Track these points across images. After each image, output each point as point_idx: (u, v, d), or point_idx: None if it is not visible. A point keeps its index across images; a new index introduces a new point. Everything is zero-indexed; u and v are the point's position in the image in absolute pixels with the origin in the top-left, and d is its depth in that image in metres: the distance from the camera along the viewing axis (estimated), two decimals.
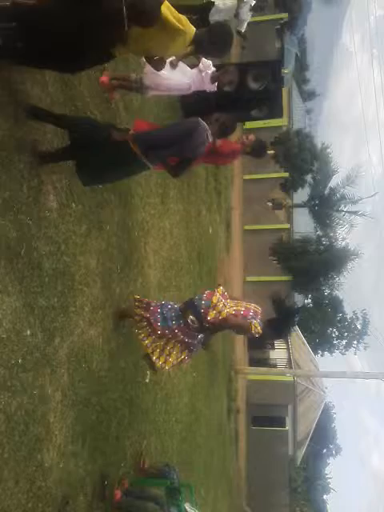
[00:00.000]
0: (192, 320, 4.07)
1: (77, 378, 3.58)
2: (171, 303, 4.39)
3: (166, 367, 4.32)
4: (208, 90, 5.21)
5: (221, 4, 6.35)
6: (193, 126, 3.20)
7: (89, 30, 2.53)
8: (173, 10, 2.96)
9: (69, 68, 2.93)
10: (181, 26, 2.99)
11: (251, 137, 5.04)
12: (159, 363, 4.27)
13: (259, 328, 3.93)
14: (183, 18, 3.05)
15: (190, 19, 3.07)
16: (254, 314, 4.03)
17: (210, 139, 3.36)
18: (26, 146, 3.04)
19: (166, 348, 4.27)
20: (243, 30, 7.10)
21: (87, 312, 3.84)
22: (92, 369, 3.87)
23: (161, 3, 2.74)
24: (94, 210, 4.08)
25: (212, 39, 3.34)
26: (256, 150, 5.00)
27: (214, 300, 4.01)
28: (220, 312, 3.97)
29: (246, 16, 6.90)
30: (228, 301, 4.15)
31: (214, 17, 6.43)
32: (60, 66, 2.88)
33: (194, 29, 3.18)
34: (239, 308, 4.08)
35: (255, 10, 7.12)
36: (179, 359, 4.33)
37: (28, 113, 3.01)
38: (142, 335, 4.33)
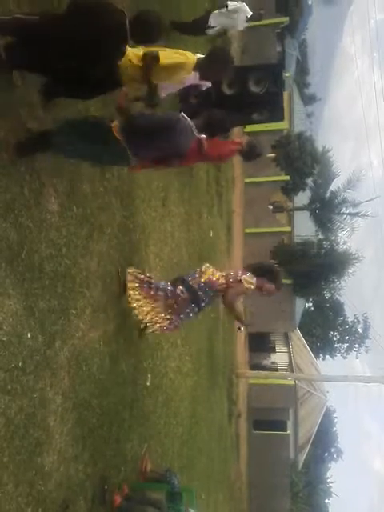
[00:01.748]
0: (181, 290, 4.35)
1: (77, 381, 3.56)
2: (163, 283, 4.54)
3: (150, 329, 4.48)
4: (203, 87, 5.30)
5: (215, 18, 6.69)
6: (174, 120, 3.10)
7: (91, 45, 2.57)
8: (168, 51, 3.24)
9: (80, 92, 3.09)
10: (180, 59, 3.23)
11: (244, 138, 5.04)
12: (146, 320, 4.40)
13: (252, 281, 4.27)
14: (180, 50, 3.32)
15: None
16: (242, 272, 4.36)
17: (196, 133, 3.29)
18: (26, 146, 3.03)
19: (154, 310, 4.42)
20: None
21: (88, 315, 3.83)
22: (93, 372, 3.86)
23: (162, 21, 2.85)
24: (96, 212, 4.07)
25: (211, 64, 3.35)
26: (246, 153, 4.95)
27: (203, 269, 4.42)
28: (213, 274, 4.35)
29: (241, 26, 7.14)
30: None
31: (211, 24, 6.68)
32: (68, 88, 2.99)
33: (195, 57, 3.34)
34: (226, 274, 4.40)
35: (253, 19, 7.29)
36: (163, 324, 4.44)
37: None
38: (134, 301, 4.42)
